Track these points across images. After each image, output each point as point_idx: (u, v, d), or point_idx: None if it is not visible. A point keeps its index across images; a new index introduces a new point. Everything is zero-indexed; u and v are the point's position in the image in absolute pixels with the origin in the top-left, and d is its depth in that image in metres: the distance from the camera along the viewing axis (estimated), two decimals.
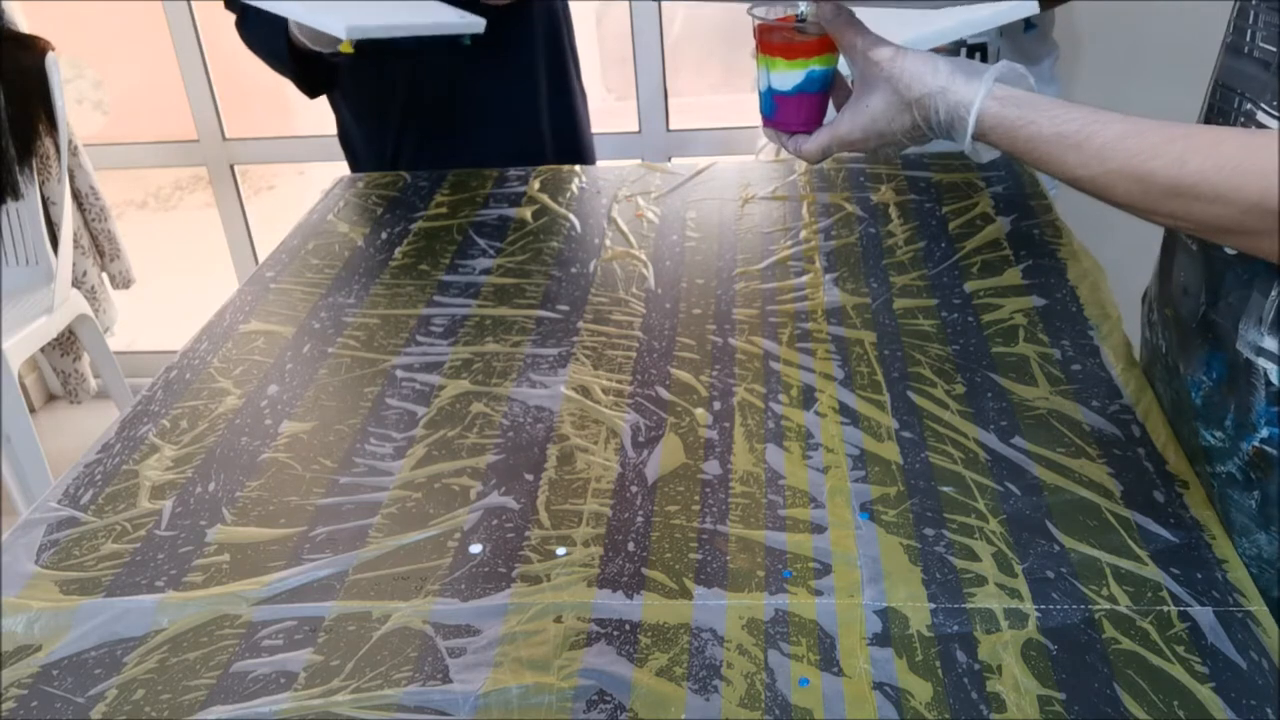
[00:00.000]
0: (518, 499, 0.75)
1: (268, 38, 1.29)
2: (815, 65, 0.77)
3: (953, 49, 1.25)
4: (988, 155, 0.70)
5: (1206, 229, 0.60)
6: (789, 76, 0.78)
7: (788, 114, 0.79)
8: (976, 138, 0.67)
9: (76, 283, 2.12)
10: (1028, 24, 1.22)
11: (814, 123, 0.79)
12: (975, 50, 1.26)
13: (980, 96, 0.66)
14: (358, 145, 1.46)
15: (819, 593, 0.65)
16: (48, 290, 1.97)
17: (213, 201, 2.45)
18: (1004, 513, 0.70)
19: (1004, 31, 1.24)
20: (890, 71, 0.70)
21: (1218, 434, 0.69)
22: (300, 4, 1.13)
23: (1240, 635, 0.60)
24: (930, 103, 0.68)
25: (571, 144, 1.47)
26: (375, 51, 1.35)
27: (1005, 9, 1.00)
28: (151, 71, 2.51)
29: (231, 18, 1.35)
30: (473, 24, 1.19)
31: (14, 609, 0.69)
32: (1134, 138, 0.61)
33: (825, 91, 0.78)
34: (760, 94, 0.80)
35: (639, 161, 1.59)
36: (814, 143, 0.78)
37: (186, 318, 1.94)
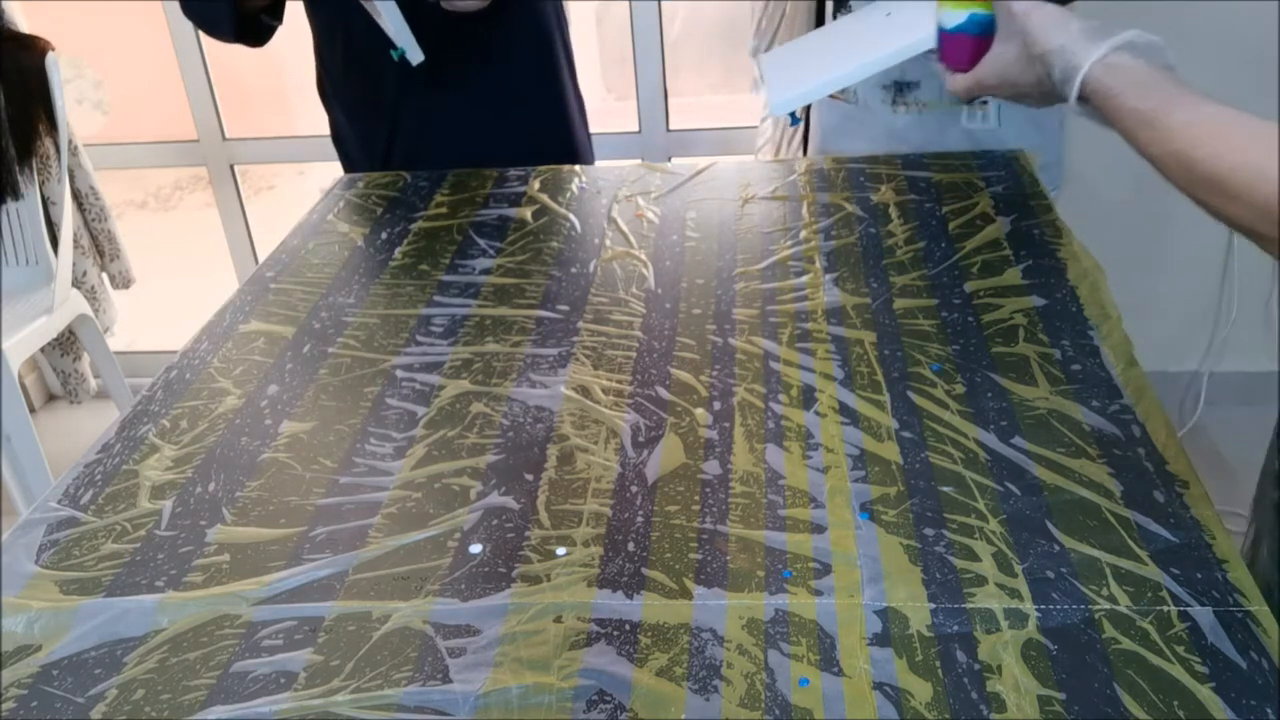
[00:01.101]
0: (518, 499, 0.75)
1: (205, 6, 1.29)
2: (977, 9, 0.84)
3: None
4: (1098, 121, 0.72)
5: (1236, 226, 0.62)
6: (953, 15, 0.86)
7: (948, 50, 0.88)
8: (1082, 100, 0.69)
9: (76, 283, 2.12)
10: None
11: (968, 64, 0.86)
12: None
13: (1091, 60, 0.67)
14: (350, 146, 1.47)
15: (819, 593, 0.65)
16: (48, 290, 1.97)
17: (213, 201, 2.45)
18: (1004, 513, 0.70)
19: None
20: (1023, 25, 0.73)
21: None
22: None
23: (1240, 635, 0.60)
24: (1051, 59, 0.71)
25: (565, 145, 1.48)
26: (365, 50, 1.36)
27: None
28: (151, 71, 2.51)
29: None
30: (414, 53, 1.22)
31: (14, 609, 0.69)
32: (1194, 125, 0.63)
33: (984, 36, 0.84)
34: (937, 30, 0.89)
35: (639, 161, 1.59)
36: (961, 81, 0.84)
37: (186, 318, 1.94)
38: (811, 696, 0.58)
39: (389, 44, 1.23)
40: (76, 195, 2.15)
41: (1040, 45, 0.72)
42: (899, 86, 1.31)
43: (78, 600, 0.69)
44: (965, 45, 0.86)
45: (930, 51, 0.92)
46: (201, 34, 2.21)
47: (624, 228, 1.15)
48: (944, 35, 0.88)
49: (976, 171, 1.20)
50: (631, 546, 0.70)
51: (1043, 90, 0.75)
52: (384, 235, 1.18)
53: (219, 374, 0.94)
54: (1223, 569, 0.65)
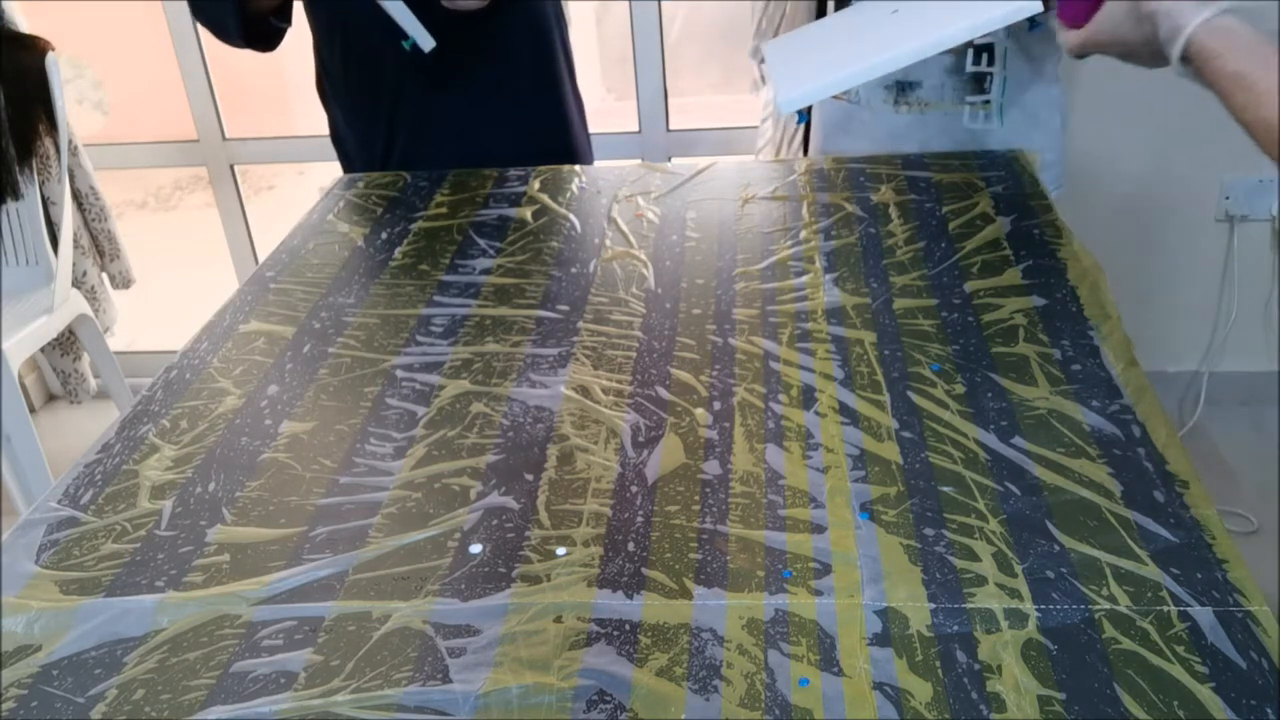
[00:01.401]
0: (518, 499, 0.75)
1: (214, 9, 1.30)
2: None
3: (960, 49, 1.26)
4: (1201, 84, 0.72)
5: None
6: None
7: (1065, 7, 0.89)
8: (1184, 61, 0.70)
9: (76, 283, 2.12)
10: (1033, 23, 1.22)
11: (1085, 19, 0.87)
12: (983, 51, 1.26)
13: (1197, 21, 0.69)
14: (349, 146, 1.47)
15: (819, 593, 0.65)
16: (48, 290, 1.97)
17: (213, 201, 2.45)
18: (1004, 513, 0.70)
19: (1010, 31, 1.24)
20: None
21: None
22: None
23: (1240, 635, 0.60)
24: (1158, 18, 0.72)
25: (563, 145, 1.48)
26: (363, 51, 1.36)
27: (1011, 9, 1.00)
28: (151, 71, 2.51)
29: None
30: (425, 40, 1.23)
31: (14, 609, 0.69)
32: None
33: None
34: None
35: (639, 161, 1.59)
36: (1074, 38, 0.86)
37: (186, 318, 1.94)
38: (811, 696, 0.58)
39: (399, 35, 1.23)
40: (76, 195, 2.15)
41: (1149, 3, 0.73)
42: (900, 86, 1.31)
43: (78, 600, 0.69)
44: (1082, 3, 0.87)
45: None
46: (203, 35, 2.21)
47: (624, 228, 1.15)
48: None
49: (976, 171, 1.20)
50: (631, 546, 0.70)
51: (1151, 49, 0.76)
52: (384, 235, 1.18)
53: (219, 374, 0.94)
54: (1223, 569, 0.65)
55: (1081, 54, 0.87)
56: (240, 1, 1.27)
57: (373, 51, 1.36)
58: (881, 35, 1.10)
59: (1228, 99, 0.68)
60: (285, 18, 1.35)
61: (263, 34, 1.33)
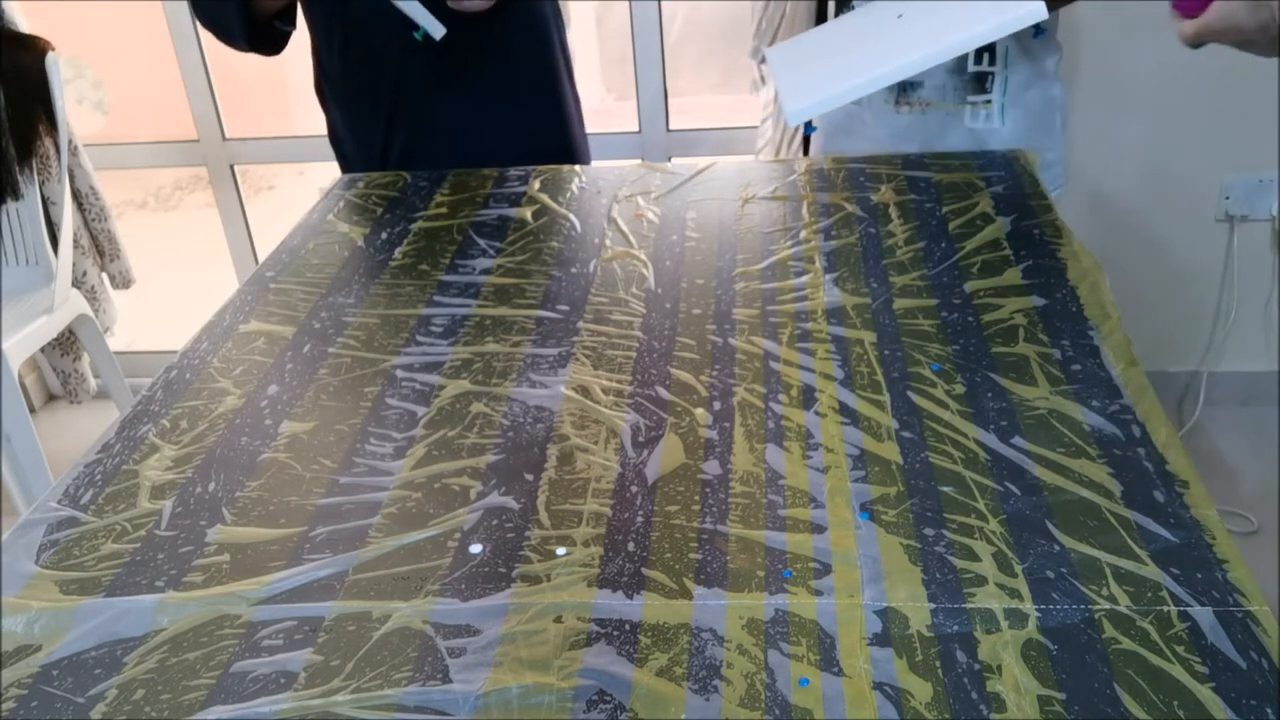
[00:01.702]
0: (518, 499, 0.75)
1: (217, 12, 1.30)
2: None
3: None
4: None
5: None
6: None
7: None
8: None
9: (76, 283, 2.12)
10: (1037, 29, 1.22)
11: (1197, 10, 0.84)
12: (984, 50, 1.26)
13: None
14: (348, 146, 1.47)
15: (819, 593, 0.65)
16: (48, 290, 1.97)
17: (213, 201, 2.45)
18: (1004, 513, 0.70)
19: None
20: None
21: None
22: None
23: (1240, 635, 0.60)
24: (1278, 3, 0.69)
25: (563, 145, 1.48)
26: (361, 51, 1.36)
27: (1018, 16, 1.00)
28: (151, 71, 2.52)
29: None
30: (435, 28, 1.23)
31: (14, 609, 0.69)
32: None
33: None
34: None
35: (639, 161, 1.59)
36: (1189, 27, 0.83)
37: (186, 318, 1.94)
38: (811, 696, 0.58)
39: (410, 27, 1.23)
40: (76, 195, 2.15)
41: None
42: (902, 86, 1.31)
43: (78, 600, 0.69)
44: None
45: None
46: (204, 35, 2.21)
47: (624, 228, 1.15)
48: None
49: (976, 171, 1.20)
50: (631, 546, 0.70)
51: (1269, 35, 0.74)
52: (384, 235, 1.18)
53: (219, 374, 0.94)
54: (1223, 569, 0.65)
55: (1197, 43, 0.84)
56: (245, 5, 1.27)
57: (371, 52, 1.36)
58: (888, 42, 1.10)
59: None
60: (290, 21, 1.35)
61: (268, 38, 1.34)
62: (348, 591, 0.68)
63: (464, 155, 1.38)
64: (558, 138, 1.48)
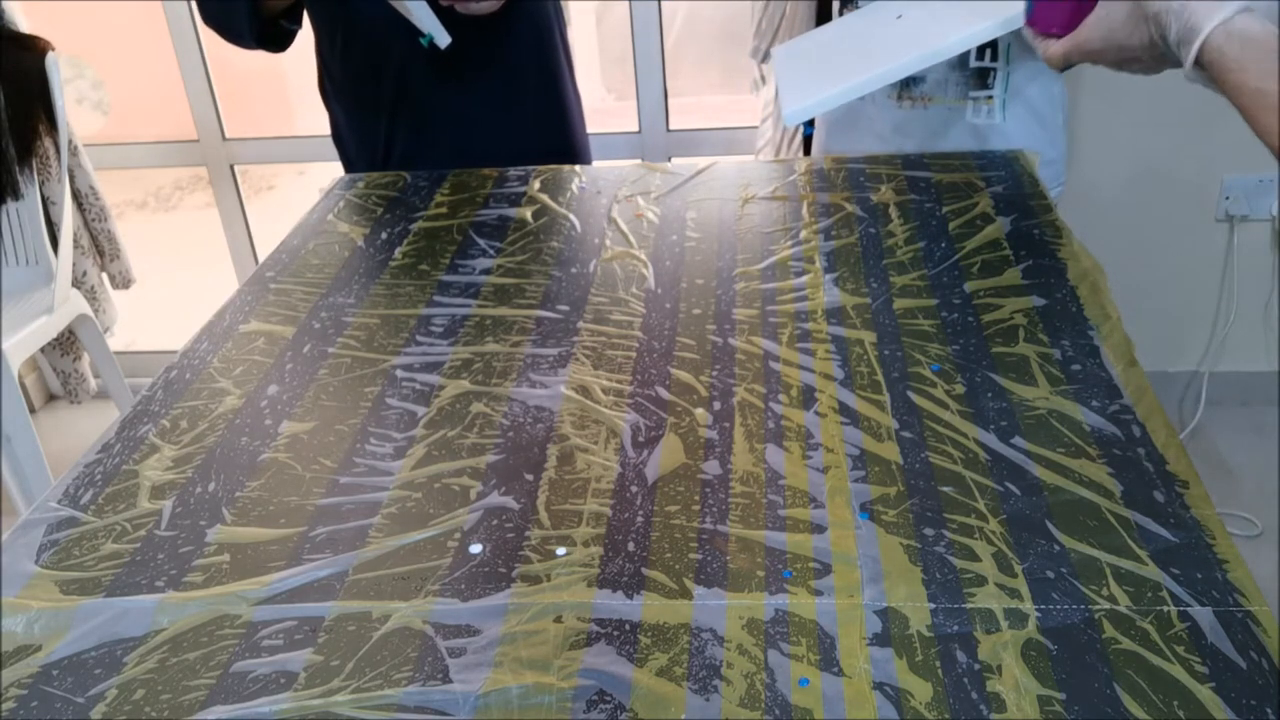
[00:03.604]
0: (518, 499, 0.75)
1: (224, 13, 1.31)
2: None
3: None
4: (1213, 88, 0.66)
5: None
6: None
7: (1043, 13, 0.82)
8: (1198, 66, 0.64)
9: (76, 283, 2.12)
10: None
11: (1067, 27, 0.80)
12: (986, 46, 1.26)
13: (1214, 23, 0.62)
14: (350, 145, 1.47)
15: (819, 593, 0.65)
16: (48, 290, 1.97)
17: (213, 201, 2.45)
18: (1004, 513, 0.70)
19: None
20: None
21: None
22: None
23: (1240, 635, 0.60)
24: (1166, 18, 0.65)
25: (562, 145, 1.48)
26: (363, 50, 1.36)
27: (1016, 14, 1.00)
28: (151, 71, 2.51)
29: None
30: (441, 36, 1.23)
31: (14, 609, 0.69)
32: None
33: (1085, 0, 0.78)
34: None
35: (639, 161, 1.59)
36: (1058, 47, 0.79)
37: (186, 318, 1.94)
38: (811, 696, 0.58)
39: (416, 33, 1.24)
40: (76, 195, 2.15)
41: (1155, 3, 0.67)
42: (904, 82, 1.31)
43: (78, 600, 0.69)
44: (1064, 9, 0.80)
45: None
46: (204, 35, 2.21)
47: (624, 228, 1.15)
48: None
49: (977, 171, 1.20)
50: (631, 546, 0.70)
51: (1154, 54, 0.70)
52: (384, 235, 1.18)
53: (219, 374, 0.94)
54: (1223, 569, 0.65)
55: (1066, 65, 0.79)
56: (253, 5, 1.28)
57: (373, 50, 1.36)
58: (886, 43, 1.11)
59: (1251, 117, 0.62)
60: (296, 19, 1.36)
61: (274, 36, 1.34)
62: (348, 591, 0.68)
63: (466, 154, 1.38)
64: (559, 135, 1.48)
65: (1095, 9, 0.75)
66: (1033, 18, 0.83)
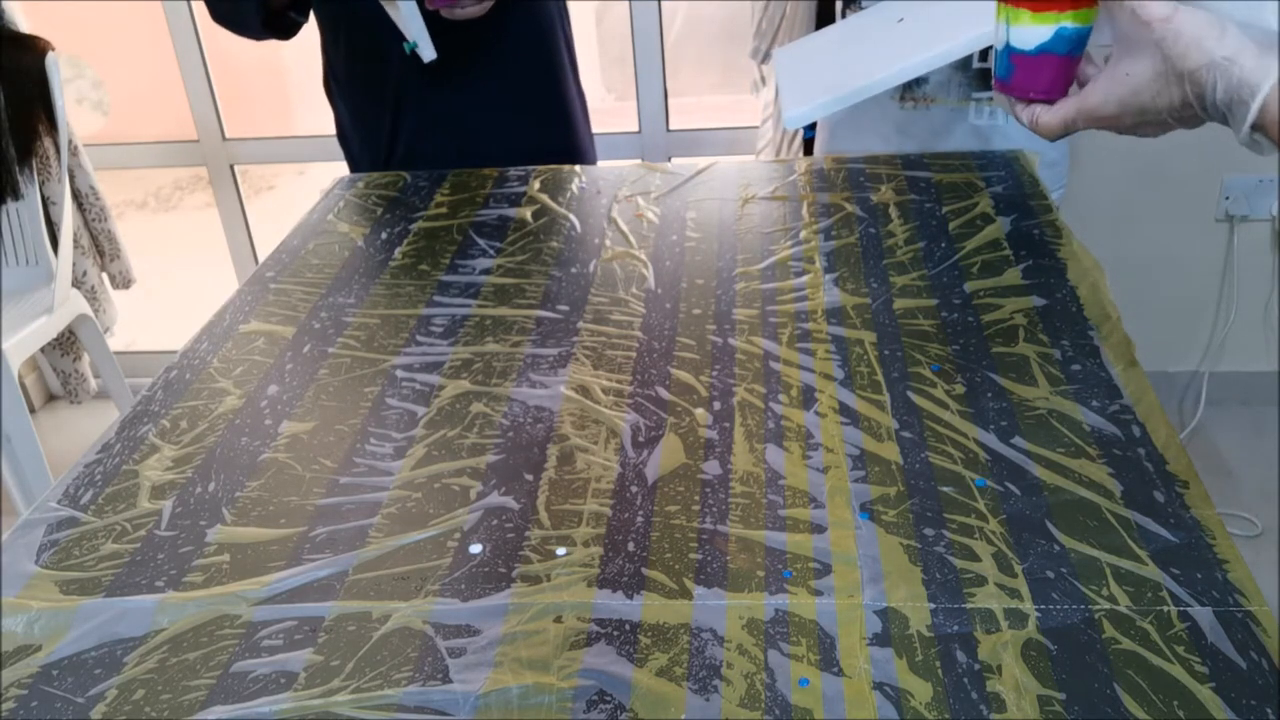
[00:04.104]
0: (518, 499, 0.75)
1: (232, 8, 1.32)
2: (1068, 21, 0.67)
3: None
4: (1270, 151, 0.60)
5: None
6: (1033, 33, 0.67)
7: (1026, 77, 0.69)
8: (1256, 127, 0.58)
9: (76, 283, 2.12)
10: None
11: (1057, 91, 0.69)
12: (989, 48, 1.26)
13: (1273, 79, 0.56)
14: (354, 143, 1.47)
15: (819, 593, 0.65)
16: (48, 290, 1.97)
17: (213, 201, 2.45)
18: (1004, 513, 0.70)
19: None
20: (1163, 34, 0.59)
21: None
22: None
23: (1240, 635, 0.60)
24: (1207, 76, 0.58)
25: (567, 144, 1.48)
26: (367, 48, 1.36)
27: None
28: (151, 71, 2.52)
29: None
30: (427, 50, 1.23)
31: (14, 609, 0.69)
32: None
33: (1075, 56, 0.68)
34: (996, 52, 0.70)
35: (639, 161, 1.59)
36: (1055, 114, 0.68)
37: (186, 318, 1.94)
38: (811, 696, 0.58)
39: (400, 36, 1.24)
40: (76, 195, 2.15)
41: (1193, 60, 0.58)
42: (906, 82, 1.31)
43: (78, 600, 0.69)
44: (1053, 68, 0.68)
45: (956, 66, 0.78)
46: (204, 34, 2.21)
47: (624, 228, 1.15)
48: (1018, 58, 0.69)
49: (977, 172, 1.20)
50: (631, 546, 0.70)
51: (1182, 116, 0.62)
52: (384, 235, 1.18)
53: (219, 374, 0.94)
54: (1223, 569, 0.65)
55: (1066, 132, 0.67)
56: (261, 1, 1.29)
57: (377, 49, 1.36)
58: (888, 48, 1.10)
59: None
60: (303, 11, 1.37)
61: (281, 24, 1.36)
62: (348, 591, 0.68)
63: (469, 153, 1.38)
64: (563, 134, 1.48)
65: (1106, 70, 0.64)
66: (1009, 82, 0.71)
